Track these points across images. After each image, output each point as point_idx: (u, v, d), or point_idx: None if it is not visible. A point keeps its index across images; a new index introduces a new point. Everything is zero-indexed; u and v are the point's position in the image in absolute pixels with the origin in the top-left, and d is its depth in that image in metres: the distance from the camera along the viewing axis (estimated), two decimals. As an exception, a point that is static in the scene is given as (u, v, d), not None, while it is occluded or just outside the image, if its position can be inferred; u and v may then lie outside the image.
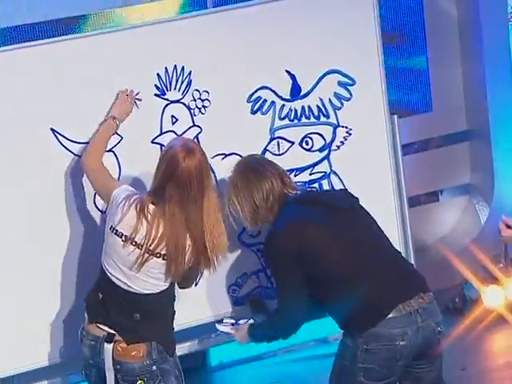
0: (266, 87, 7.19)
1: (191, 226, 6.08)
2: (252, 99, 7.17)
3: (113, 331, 6.17)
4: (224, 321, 6.88)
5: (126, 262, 6.09)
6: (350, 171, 7.40)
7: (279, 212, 6.56)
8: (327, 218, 6.45)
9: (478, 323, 8.79)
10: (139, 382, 6.12)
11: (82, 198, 6.83)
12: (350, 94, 7.36)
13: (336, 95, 7.34)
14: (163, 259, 6.07)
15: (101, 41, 6.90)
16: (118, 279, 6.12)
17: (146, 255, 6.05)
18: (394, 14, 8.74)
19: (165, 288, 6.16)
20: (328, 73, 7.30)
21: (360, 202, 6.76)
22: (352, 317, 6.41)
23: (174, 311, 6.35)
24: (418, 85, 9.20)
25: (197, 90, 7.02)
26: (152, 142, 6.90)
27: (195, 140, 6.81)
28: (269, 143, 7.24)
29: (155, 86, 6.93)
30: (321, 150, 7.36)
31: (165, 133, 6.96)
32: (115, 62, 6.85)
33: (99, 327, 6.21)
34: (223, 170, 7.01)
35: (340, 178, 7.40)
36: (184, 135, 6.95)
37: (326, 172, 7.38)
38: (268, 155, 7.19)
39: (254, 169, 6.65)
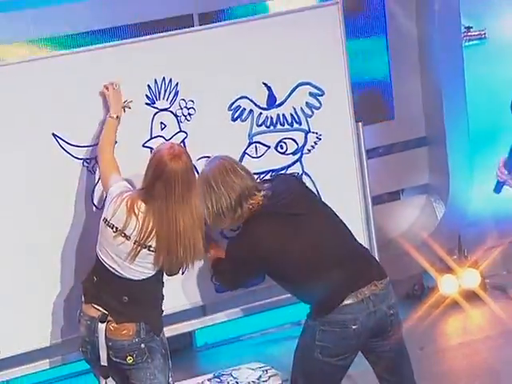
0: (245, 97, 7.16)
1: (175, 222, 6.02)
2: (232, 108, 7.14)
3: (106, 312, 6.15)
4: None
5: (119, 253, 6.08)
6: (320, 173, 7.36)
7: (244, 223, 6.56)
8: (285, 225, 6.45)
9: (434, 308, 8.78)
10: (128, 357, 6.12)
11: (80, 195, 6.82)
12: (320, 104, 7.32)
13: (307, 104, 7.30)
14: (153, 251, 6.05)
15: (99, 55, 6.90)
16: (110, 266, 6.12)
17: (138, 248, 6.03)
18: (359, 34, 8.61)
19: (151, 275, 6.13)
20: (300, 84, 7.26)
21: (319, 200, 6.88)
22: (313, 303, 6.52)
23: (163, 295, 6.31)
24: (381, 95, 9.14)
25: (183, 100, 7.00)
26: (143, 146, 6.88)
27: (181, 144, 6.74)
28: (247, 147, 7.21)
29: (146, 95, 6.91)
30: (294, 153, 7.32)
31: (154, 138, 6.94)
32: (112, 74, 6.82)
33: (94, 307, 6.20)
34: None
35: (311, 179, 7.35)
36: (171, 140, 6.90)
37: (298, 173, 7.32)
38: (247, 158, 7.19)
39: (229, 175, 6.55)
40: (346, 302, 6.39)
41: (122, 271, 6.11)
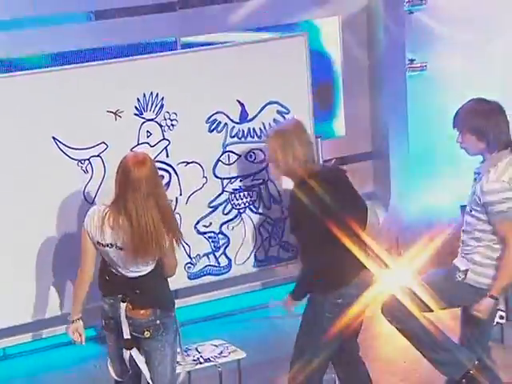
0: (221, 112, 7.11)
1: (144, 220, 5.82)
2: (210, 120, 7.09)
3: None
4: None
5: (118, 261, 5.92)
6: (284, 180, 7.14)
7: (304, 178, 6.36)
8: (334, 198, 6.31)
9: (377, 300, 8.55)
10: (146, 332, 6.00)
11: (74, 189, 6.71)
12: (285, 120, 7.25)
13: (275, 120, 7.25)
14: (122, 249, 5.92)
15: (98, 70, 6.90)
16: (116, 270, 5.98)
17: (121, 252, 5.89)
18: (319, 66, 8.45)
19: (151, 269, 5.96)
20: (269, 103, 7.23)
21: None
22: (327, 278, 6.41)
23: (167, 281, 6.14)
24: (335, 114, 9.04)
25: (167, 112, 6.95)
26: (131, 150, 6.64)
27: (145, 152, 6.36)
28: (221, 155, 7.15)
29: (135, 107, 6.86)
30: (261, 162, 7.26)
31: (141, 144, 6.89)
32: (108, 87, 6.80)
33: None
34: (186, 173, 7.01)
35: (274, 185, 7.30)
36: (155, 146, 6.92)
37: (264, 179, 7.28)
38: (220, 164, 7.16)
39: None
40: (355, 280, 6.46)
41: (124, 272, 5.97)
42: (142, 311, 6.00)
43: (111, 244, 5.86)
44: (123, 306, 6.01)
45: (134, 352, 6.07)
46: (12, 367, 7.49)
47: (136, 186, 5.74)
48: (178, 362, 6.23)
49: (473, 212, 6.25)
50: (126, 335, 6.02)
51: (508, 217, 6.10)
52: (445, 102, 8.04)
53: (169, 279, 6.83)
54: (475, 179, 6.30)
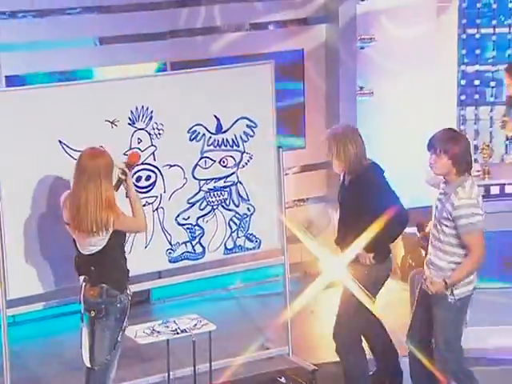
0: (200, 124, 7.04)
1: (80, 199, 5.84)
2: (190, 131, 7.02)
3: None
4: None
5: (76, 239, 5.96)
6: (250, 182, 7.23)
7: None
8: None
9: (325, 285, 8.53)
10: (92, 312, 5.95)
11: None
12: (253, 133, 7.20)
13: (244, 133, 7.18)
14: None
15: (99, 86, 6.91)
16: (78, 249, 5.99)
17: (70, 228, 5.94)
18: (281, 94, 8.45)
19: (98, 249, 5.89)
20: (240, 118, 7.15)
21: None
22: (380, 248, 6.59)
23: (122, 263, 6.07)
24: (298, 130, 8.99)
25: (155, 123, 6.88)
26: (124, 154, 6.62)
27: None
28: (199, 160, 7.08)
29: (129, 117, 6.80)
30: (232, 167, 7.18)
31: (132, 148, 6.78)
32: (106, 100, 6.74)
33: None
34: (169, 174, 6.94)
35: (243, 186, 7.22)
36: (145, 151, 6.84)
37: (234, 181, 7.20)
38: (198, 168, 7.10)
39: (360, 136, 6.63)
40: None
41: (81, 250, 5.96)
42: (91, 292, 5.94)
43: (66, 223, 5.92)
44: (83, 285, 5.99)
45: (84, 329, 6.02)
46: (20, 332, 7.37)
47: (81, 172, 5.82)
48: (115, 348, 6.03)
49: (443, 227, 6.08)
50: (82, 311, 6.02)
51: (476, 229, 5.97)
52: (386, 122, 8.05)
53: (152, 262, 6.89)
54: (440, 199, 6.15)
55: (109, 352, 5.94)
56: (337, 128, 6.76)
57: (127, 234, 6.15)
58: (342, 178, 6.82)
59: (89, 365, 5.99)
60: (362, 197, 6.60)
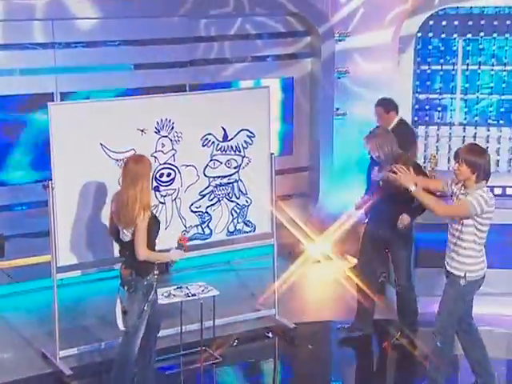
0: (211, 134, 7.00)
1: (123, 197, 5.79)
2: (203, 139, 6.98)
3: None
4: None
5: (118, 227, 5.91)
6: (249, 180, 7.21)
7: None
8: None
9: (306, 262, 8.59)
10: (125, 287, 5.89)
11: (113, 179, 6.44)
12: (252, 142, 7.17)
13: (245, 141, 7.14)
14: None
15: (133, 102, 6.91)
16: (119, 236, 5.94)
17: (114, 217, 5.92)
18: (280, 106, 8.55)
19: (131, 238, 5.79)
20: (242, 130, 7.11)
21: None
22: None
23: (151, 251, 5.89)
24: (286, 140, 9.00)
25: (176, 131, 6.83)
26: (151, 156, 6.65)
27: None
28: (209, 162, 7.04)
29: (155, 127, 6.76)
30: (235, 168, 7.15)
31: (158, 152, 6.80)
32: (138, 113, 6.72)
33: None
34: (185, 172, 6.93)
35: (243, 183, 7.19)
36: (167, 154, 6.82)
37: (236, 179, 7.16)
38: (208, 168, 7.05)
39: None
40: None
41: (121, 237, 5.89)
42: (125, 271, 5.87)
43: (112, 214, 5.91)
44: (121, 264, 5.97)
45: (118, 299, 5.93)
46: (67, 292, 7.34)
47: (125, 174, 5.76)
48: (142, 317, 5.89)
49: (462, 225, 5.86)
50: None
51: (467, 207, 5.77)
52: (357, 137, 7.89)
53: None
54: (459, 198, 5.91)
55: (137, 319, 5.84)
56: (378, 132, 6.90)
57: (158, 229, 5.96)
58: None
59: (122, 328, 5.93)
60: None
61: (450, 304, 6.01)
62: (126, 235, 5.82)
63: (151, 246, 5.85)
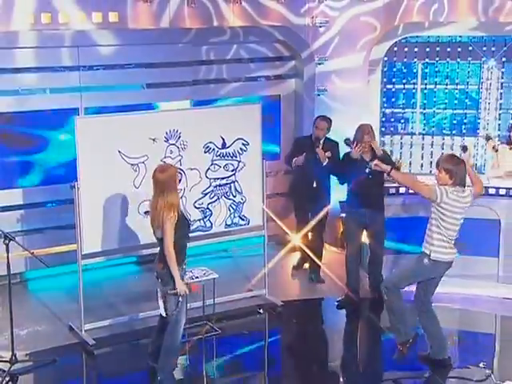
0: (212, 142, 6.96)
1: (155, 204, 5.67)
2: (205, 146, 6.94)
3: None
4: None
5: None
6: (243, 181, 7.16)
7: None
8: None
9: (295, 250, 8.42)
10: (159, 279, 5.74)
11: (128, 181, 6.58)
12: (246, 149, 7.12)
13: (240, 148, 7.09)
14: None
15: (145, 116, 6.84)
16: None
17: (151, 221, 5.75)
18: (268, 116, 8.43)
19: (161, 237, 5.65)
20: (238, 139, 7.06)
21: None
22: None
23: (176, 250, 5.64)
24: (275, 145, 8.85)
25: (182, 140, 6.80)
26: (160, 161, 6.63)
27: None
28: (210, 166, 6.99)
29: (165, 136, 6.72)
30: (232, 171, 7.11)
31: (167, 157, 6.74)
32: (150, 125, 6.69)
33: None
34: (190, 174, 6.88)
35: (239, 184, 7.14)
36: (175, 159, 6.77)
37: (233, 180, 7.11)
38: (209, 171, 7.00)
39: None
40: None
41: (156, 235, 5.76)
42: (159, 265, 5.71)
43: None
44: (156, 260, 5.80)
45: (158, 290, 5.76)
46: (91, 276, 7.28)
47: (154, 182, 5.67)
48: (178, 305, 5.70)
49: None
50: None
51: (435, 189, 5.77)
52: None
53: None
54: None
55: (175, 308, 5.67)
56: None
57: (187, 228, 5.82)
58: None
59: (164, 315, 5.77)
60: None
61: (408, 271, 6.04)
62: (158, 233, 5.68)
63: (179, 244, 5.65)
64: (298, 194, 7.88)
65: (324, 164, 7.40)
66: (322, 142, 7.52)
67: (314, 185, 7.56)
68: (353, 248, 7.24)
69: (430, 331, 6.12)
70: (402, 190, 7.70)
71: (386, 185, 7.32)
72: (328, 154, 7.42)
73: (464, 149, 7.63)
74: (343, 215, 7.31)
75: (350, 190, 7.20)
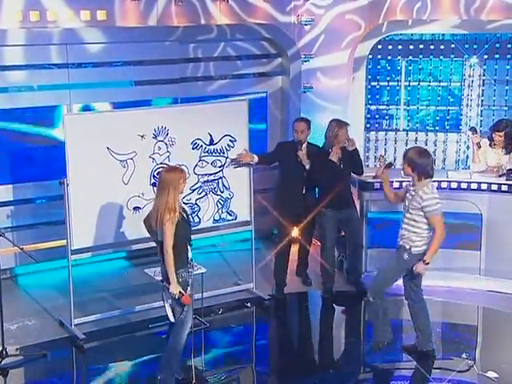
0: (199, 139, 6.94)
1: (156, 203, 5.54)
2: (193, 143, 6.92)
3: None
4: None
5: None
6: (230, 177, 7.14)
7: None
8: None
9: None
10: (164, 282, 5.58)
11: (117, 176, 6.56)
12: (234, 145, 7.10)
13: (228, 145, 7.07)
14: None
15: (134, 113, 6.74)
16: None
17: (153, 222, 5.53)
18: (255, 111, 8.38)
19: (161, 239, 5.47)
20: (225, 135, 7.04)
21: None
22: None
23: (177, 252, 5.44)
24: (262, 143, 8.75)
25: (170, 137, 6.77)
26: (149, 157, 6.65)
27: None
28: (198, 162, 6.97)
29: (153, 133, 6.69)
30: (219, 167, 7.09)
31: (155, 154, 6.72)
32: (139, 121, 6.66)
33: None
34: None
35: (226, 180, 7.13)
36: (162, 156, 6.73)
37: (220, 176, 7.10)
38: (197, 167, 6.97)
39: None
40: None
41: (158, 237, 5.55)
42: (163, 268, 5.53)
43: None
44: (162, 264, 5.57)
45: (164, 294, 5.59)
46: (80, 270, 7.22)
47: (159, 182, 5.54)
48: (184, 310, 5.55)
49: (412, 212, 5.87)
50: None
51: (437, 213, 5.81)
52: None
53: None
54: (410, 193, 5.92)
55: (181, 312, 5.52)
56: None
57: (187, 230, 5.56)
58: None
59: (172, 320, 5.61)
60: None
61: (390, 272, 6.11)
62: (158, 236, 5.47)
63: (179, 246, 5.43)
64: (285, 205, 7.28)
65: (307, 167, 7.13)
66: (305, 146, 7.20)
67: (303, 191, 7.20)
68: (326, 246, 7.24)
69: (420, 322, 6.17)
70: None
71: (371, 180, 7.35)
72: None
73: (473, 130, 7.64)
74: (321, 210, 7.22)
75: (322, 189, 7.19)
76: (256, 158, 7.05)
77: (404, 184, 6.53)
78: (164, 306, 5.65)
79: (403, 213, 6.02)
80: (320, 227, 7.31)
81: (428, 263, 5.91)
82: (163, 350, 5.81)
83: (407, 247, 5.93)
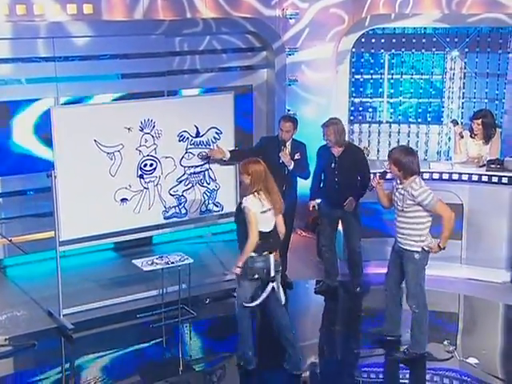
0: (186, 131, 6.93)
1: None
2: (179, 135, 6.91)
3: None
4: None
5: None
6: (217, 169, 7.13)
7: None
8: None
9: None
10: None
11: (105, 168, 6.54)
12: (220, 137, 7.09)
13: (214, 137, 7.07)
14: None
15: (121, 106, 6.80)
16: None
17: None
18: (241, 107, 8.31)
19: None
20: (211, 127, 7.04)
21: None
22: None
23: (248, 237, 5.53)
24: (247, 135, 8.67)
25: (157, 129, 6.76)
26: (136, 149, 6.63)
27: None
28: (185, 154, 6.97)
29: (139, 126, 6.68)
30: (205, 158, 7.07)
31: (142, 146, 6.70)
32: (126, 114, 6.63)
33: None
34: (165, 162, 6.84)
35: (213, 172, 7.13)
36: (149, 148, 6.71)
37: (207, 168, 7.10)
38: (184, 159, 6.97)
39: None
40: None
41: None
42: (275, 255, 5.58)
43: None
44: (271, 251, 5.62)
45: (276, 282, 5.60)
46: (68, 262, 7.23)
47: (256, 176, 5.56)
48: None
49: (407, 210, 5.75)
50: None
51: (435, 201, 5.68)
52: (304, 133, 7.86)
53: (153, 218, 6.69)
54: (399, 192, 5.82)
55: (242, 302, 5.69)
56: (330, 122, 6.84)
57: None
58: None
59: (283, 301, 5.67)
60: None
61: (414, 279, 5.93)
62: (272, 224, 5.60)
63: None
64: None
65: (290, 168, 6.89)
66: (289, 144, 6.97)
67: (284, 188, 6.67)
68: (324, 238, 7.19)
69: (390, 312, 6.22)
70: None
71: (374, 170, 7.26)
72: (297, 155, 6.93)
73: (454, 122, 7.64)
74: (318, 202, 7.16)
75: (322, 185, 7.06)
76: (228, 154, 6.92)
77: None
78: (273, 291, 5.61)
79: (396, 215, 5.88)
80: (318, 221, 7.38)
81: (444, 247, 5.80)
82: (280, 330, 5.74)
83: (414, 249, 5.81)
